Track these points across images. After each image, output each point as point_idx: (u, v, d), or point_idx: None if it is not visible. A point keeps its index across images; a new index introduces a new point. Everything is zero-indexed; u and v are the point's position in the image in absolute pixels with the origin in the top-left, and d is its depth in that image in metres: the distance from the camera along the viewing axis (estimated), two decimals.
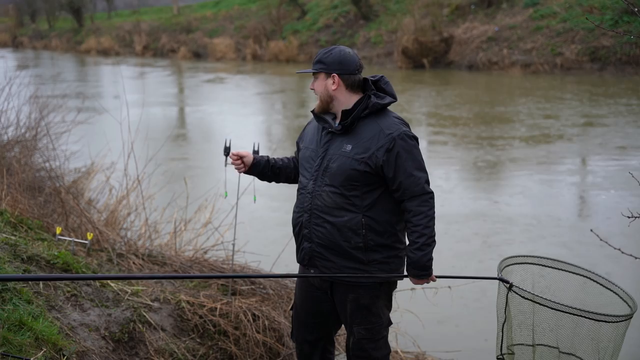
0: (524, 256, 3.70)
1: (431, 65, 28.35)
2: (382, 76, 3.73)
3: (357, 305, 3.69)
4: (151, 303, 4.64)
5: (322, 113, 3.68)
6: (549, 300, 3.33)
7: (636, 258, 3.48)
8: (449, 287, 5.96)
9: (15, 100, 9.10)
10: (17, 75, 9.52)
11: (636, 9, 3.26)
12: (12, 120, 8.94)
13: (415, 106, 19.76)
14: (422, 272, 3.57)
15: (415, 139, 3.63)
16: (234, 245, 5.28)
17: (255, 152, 4.24)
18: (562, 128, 15.71)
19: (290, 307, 4.11)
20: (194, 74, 32.88)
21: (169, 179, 9.58)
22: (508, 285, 3.47)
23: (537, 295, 3.37)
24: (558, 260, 3.69)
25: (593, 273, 3.58)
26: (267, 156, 4.00)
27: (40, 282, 4.14)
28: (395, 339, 5.46)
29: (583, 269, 3.63)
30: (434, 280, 3.66)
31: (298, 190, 3.76)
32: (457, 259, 7.69)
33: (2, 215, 5.29)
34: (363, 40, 33.11)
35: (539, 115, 17.27)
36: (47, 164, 8.14)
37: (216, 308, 4.87)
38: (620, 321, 3.32)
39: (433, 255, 3.57)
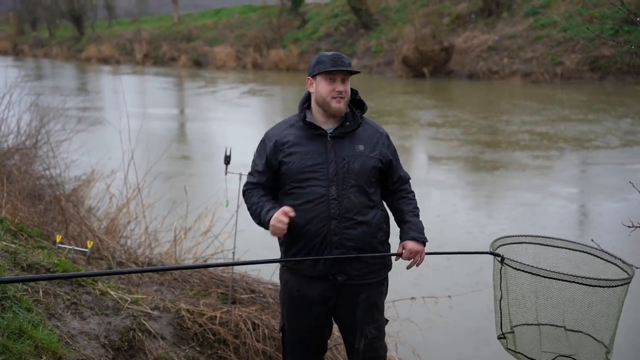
0: (517, 236, 3.67)
1: (431, 74, 28.39)
2: None
3: (368, 304, 3.70)
4: (151, 311, 4.63)
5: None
6: (543, 269, 3.29)
7: (637, 268, 3.47)
8: (449, 296, 5.96)
9: (16, 108, 9.10)
10: (17, 83, 9.52)
11: (638, 19, 3.26)
12: (13, 128, 8.95)
13: (415, 115, 19.76)
14: (422, 235, 3.67)
15: None
16: (234, 253, 5.28)
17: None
18: (562, 137, 15.71)
19: (280, 329, 3.95)
20: (194, 83, 32.93)
21: (169, 187, 9.58)
22: (500, 259, 3.46)
23: (529, 265, 3.33)
24: (553, 238, 3.66)
25: (587, 246, 3.56)
26: (270, 198, 3.77)
27: (40, 291, 4.13)
28: (396, 348, 5.45)
29: (577, 243, 3.60)
30: (422, 258, 3.66)
31: (309, 201, 3.56)
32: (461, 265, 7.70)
33: (2, 223, 5.28)
34: (363, 49, 33.20)
35: (538, 125, 17.28)
36: (47, 172, 8.14)
37: (216, 317, 4.85)
38: (615, 285, 3.28)
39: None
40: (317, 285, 3.66)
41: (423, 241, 3.65)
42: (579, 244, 3.62)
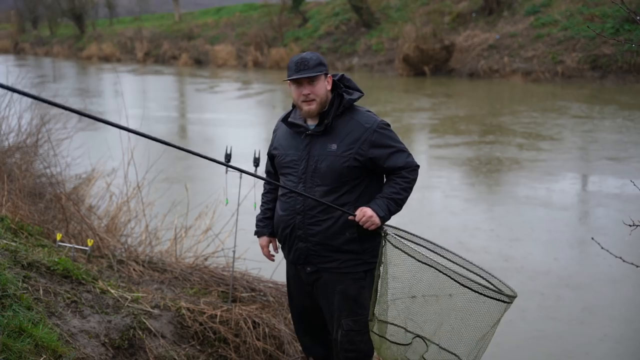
0: (405, 231, 3.68)
1: (432, 72, 28.37)
2: (342, 74, 3.90)
3: (344, 296, 3.81)
4: (151, 310, 4.63)
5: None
6: (419, 252, 3.25)
7: (637, 266, 3.47)
8: (450, 295, 5.94)
9: (17, 107, 9.10)
10: (18, 81, 9.51)
11: (638, 17, 3.26)
12: (14, 126, 8.94)
13: (415, 113, 19.76)
14: (381, 209, 3.64)
15: (388, 124, 3.83)
16: (234, 252, 5.28)
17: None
18: (562, 136, 15.70)
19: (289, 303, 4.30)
20: (195, 81, 32.92)
21: (169, 185, 9.59)
22: (383, 233, 3.47)
23: (409, 246, 3.28)
24: (438, 245, 3.64)
25: (471, 263, 3.49)
26: (268, 215, 4.13)
27: (41, 289, 4.13)
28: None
29: (462, 258, 3.54)
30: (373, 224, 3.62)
31: (283, 194, 3.89)
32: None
33: (2, 221, 5.28)
34: (364, 48, 33.18)
35: (539, 124, 17.27)
36: (47, 170, 8.14)
37: (216, 315, 4.86)
38: (487, 295, 3.19)
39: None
40: (297, 270, 3.97)
41: (379, 214, 3.63)
42: (461, 257, 3.55)
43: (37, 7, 66.97)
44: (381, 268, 3.49)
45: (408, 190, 3.78)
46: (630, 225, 3.38)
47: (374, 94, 24.82)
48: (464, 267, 3.50)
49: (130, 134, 2.74)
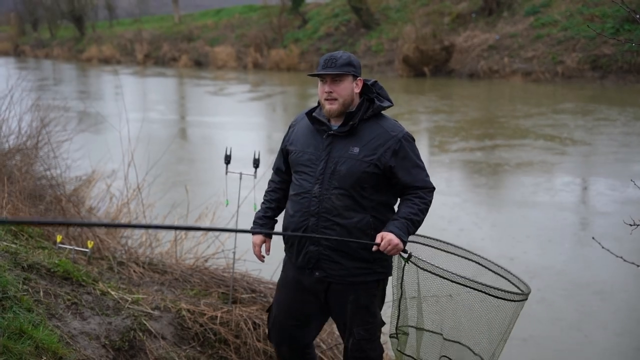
0: (420, 236, 3.71)
1: (432, 73, 28.39)
2: (375, 81, 3.78)
3: (357, 305, 3.73)
4: (151, 311, 4.62)
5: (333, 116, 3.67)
6: (452, 273, 3.30)
7: (638, 266, 3.47)
8: (450, 295, 5.93)
9: (17, 109, 9.10)
10: (18, 83, 9.51)
11: (638, 16, 3.26)
12: (14, 128, 8.94)
13: (416, 114, 19.76)
14: (402, 232, 3.50)
15: (414, 139, 3.75)
16: (234, 253, 5.27)
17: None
18: (563, 136, 15.70)
19: (267, 309, 4.10)
20: (195, 82, 32.94)
21: (169, 187, 9.58)
22: (406, 256, 3.45)
23: (439, 268, 3.33)
24: (452, 245, 3.72)
25: (486, 260, 3.62)
26: (269, 214, 4.00)
27: (41, 291, 4.13)
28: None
29: (477, 255, 3.66)
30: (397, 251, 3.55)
31: (297, 194, 3.71)
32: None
33: (2, 223, 5.28)
34: (364, 49, 33.19)
35: (540, 125, 17.27)
36: (48, 172, 8.14)
37: (217, 316, 4.85)
38: (514, 300, 3.31)
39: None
40: (303, 275, 3.78)
41: (402, 238, 3.49)
42: (477, 255, 3.67)
43: (37, 9, 67.01)
44: (402, 288, 3.52)
45: (425, 212, 3.64)
46: (630, 225, 3.38)
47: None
48: (484, 266, 3.60)
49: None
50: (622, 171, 12.25)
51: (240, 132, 17.88)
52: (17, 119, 9.01)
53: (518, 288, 3.47)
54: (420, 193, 3.64)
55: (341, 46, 34.26)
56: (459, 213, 10.03)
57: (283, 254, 3.97)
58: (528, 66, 26.03)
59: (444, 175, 12.42)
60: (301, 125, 3.83)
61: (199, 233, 6.74)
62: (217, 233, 6.50)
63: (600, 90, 22.86)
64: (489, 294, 3.28)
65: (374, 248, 3.52)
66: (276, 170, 4.01)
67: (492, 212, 10.27)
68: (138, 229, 6.67)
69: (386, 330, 3.84)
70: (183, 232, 6.70)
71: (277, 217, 4.02)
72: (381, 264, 3.69)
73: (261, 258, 3.98)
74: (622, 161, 13.21)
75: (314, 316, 3.93)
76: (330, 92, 3.58)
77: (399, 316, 3.59)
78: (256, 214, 4.01)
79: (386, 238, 3.47)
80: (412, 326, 3.59)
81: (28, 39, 66.69)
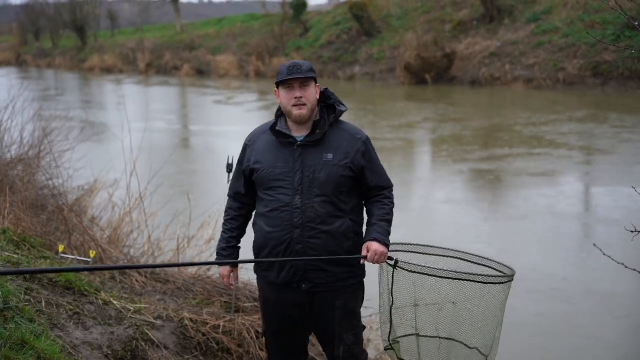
0: (403, 244, 3.80)
1: (434, 80, 28.40)
2: (326, 88, 3.85)
3: (345, 311, 3.76)
4: (154, 321, 4.62)
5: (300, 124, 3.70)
6: (439, 269, 3.43)
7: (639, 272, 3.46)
8: (453, 302, 5.92)
9: (19, 118, 9.12)
10: (20, 93, 9.53)
11: (636, 23, 3.26)
12: (16, 138, 8.96)
13: (417, 121, 19.76)
14: (385, 237, 3.65)
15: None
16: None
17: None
18: (565, 143, 15.69)
19: (262, 334, 4.06)
20: (197, 91, 32.98)
21: (171, 196, 9.58)
22: (393, 262, 3.54)
23: (426, 267, 3.45)
24: (433, 246, 3.81)
25: (464, 252, 3.74)
26: (233, 244, 3.94)
27: (43, 301, 4.13)
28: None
29: (454, 250, 3.78)
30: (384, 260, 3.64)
31: (274, 209, 3.67)
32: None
33: (5, 233, 5.28)
34: (366, 57, 33.23)
35: (542, 131, 17.27)
36: (50, 182, 8.14)
37: (219, 325, 4.85)
38: (502, 282, 3.45)
39: None
40: (287, 292, 3.76)
41: (385, 243, 3.64)
42: (454, 250, 3.78)
43: (39, 19, 67.20)
44: (392, 294, 3.57)
45: (393, 210, 3.81)
46: (632, 232, 3.37)
47: (376, 103, 24.87)
48: (464, 260, 3.71)
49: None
50: (624, 178, 12.22)
51: (242, 141, 17.81)
52: (19, 128, 9.04)
53: (502, 272, 3.58)
54: (386, 193, 3.79)
55: (343, 54, 34.32)
56: (460, 220, 10.02)
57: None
58: (529, 73, 26.04)
59: (445, 182, 12.41)
60: (260, 142, 3.81)
61: (202, 241, 6.75)
62: (215, 244, 6.49)
63: (601, 97, 22.85)
64: (480, 282, 3.41)
65: (362, 261, 3.66)
66: (234, 195, 3.97)
67: (493, 220, 10.26)
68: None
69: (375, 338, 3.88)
70: (185, 241, 6.71)
71: (240, 244, 3.98)
72: (360, 266, 3.77)
73: (230, 287, 4.00)
74: (625, 168, 13.20)
75: (305, 328, 3.95)
76: (301, 97, 3.64)
77: (391, 327, 3.62)
78: (219, 244, 3.96)
79: (372, 249, 3.59)
80: (408, 335, 3.62)
81: (30, 48, 66.85)
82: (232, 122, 21.95)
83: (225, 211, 4.01)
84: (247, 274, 5.84)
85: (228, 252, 3.90)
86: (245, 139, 3.94)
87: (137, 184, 7.01)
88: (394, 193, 3.86)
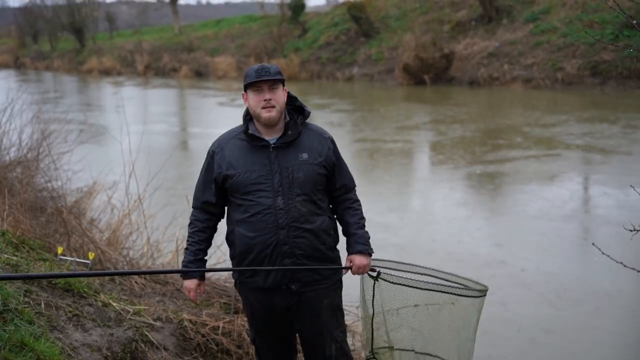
0: (386, 260, 3.84)
1: (432, 81, 28.41)
2: (288, 91, 3.83)
3: (332, 308, 3.81)
4: (153, 322, 4.62)
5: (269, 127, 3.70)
6: (421, 281, 3.55)
7: (638, 271, 3.46)
8: (453, 303, 5.93)
9: (17, 121, 9.11)
10: (19, 96, 9.53)
11: (634, 22, 3.26)
12: (15, 140, 8.96)
13: (417, 122, 19.77)
14: (367, 246, 3.79)
15: None
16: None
17: None
18: (564, 143, 15.70)
19: (251, 341, 4.02)
20: (195, 93, 32.98)
21: (170, 197, 9.58)
22: (375, 274, 3.65)
23: (408, 278, 3.56)
24: (416, 265, 3.86)
25: (438, 270, 3.80)
26: (200, 257, 3.84)
27: (42, 303, 4.13)
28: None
29: (427, 267, 3.83)
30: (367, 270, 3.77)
31: (256, 213, 3.63)
32: None
33: (3, 235, 5.28)
34: (364, 57, 33.24)
35: (541, 131, 17.28)
36: (49, 184, 8.14)
37: (219, 327, 4.85)
38: (476, 296, 3.56)
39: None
40: (275, 295, 3.73)
41: (369, 252, 3.78)
42: (428, 268, 3.83)
43: (37, 22, 67.25)
44: (374, 305, 3.66)
45: (363, 211, 3.91)
46: (630, 230, 3.37)
47: (375, 104, 24.88)
48: (444, 279, 3.77)
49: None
50: (623, 178, 12.22)
51: None
52: (17, 131, 9.04)
53: (476, 289, 3.65)
54: (352, 195, 3.90)
55: (341, 55, 34.33)
56: (460, 222, 10.02)
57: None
58: (528, 73, 26.05)
59: (444, 184, 12.42)
60: (230, 148, 3.76)
61: None
62: (218, 243, 6.48)
63: (600, 96, 22.87)
64: (459, 295, 3.53)
65: (344, 272, 3.79)
66: (203, 204, 3.85)
67: (492, 221, 10.26)
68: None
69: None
70: (184, 242, 6.69)
71: (206, 257, 3.92)
72: (338, 262, 3.84)
73: (197, 301, 3.91)
74: (623, 168, 13.20)
75: (293, 330, 3.96)
76: (270, 99, 3.63)
77: (372, 337, 3.68)
78: (185, 257, 3.83)
79: (356, 264, 3.74)
80: (386, 347, 3.67)
81: (28, 51, 66.88)
82: (231, 123, 21.84)
83: (191, 223, 3.87)
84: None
85: (196, 264, 3.80)
86: (210, 146, 3.86)
87: (136, 186, 7.01)
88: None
